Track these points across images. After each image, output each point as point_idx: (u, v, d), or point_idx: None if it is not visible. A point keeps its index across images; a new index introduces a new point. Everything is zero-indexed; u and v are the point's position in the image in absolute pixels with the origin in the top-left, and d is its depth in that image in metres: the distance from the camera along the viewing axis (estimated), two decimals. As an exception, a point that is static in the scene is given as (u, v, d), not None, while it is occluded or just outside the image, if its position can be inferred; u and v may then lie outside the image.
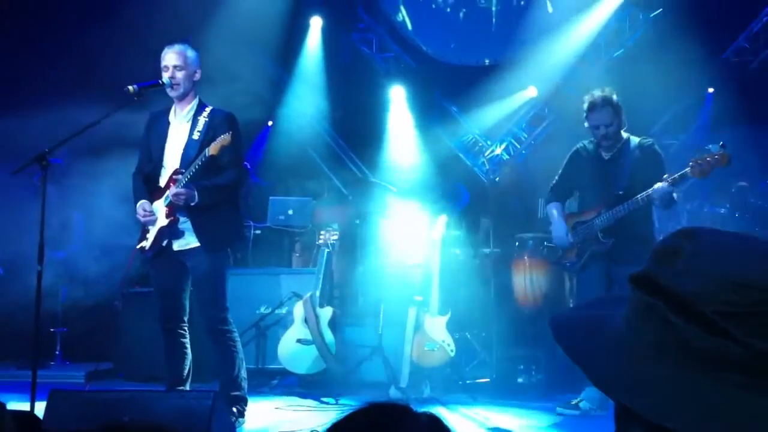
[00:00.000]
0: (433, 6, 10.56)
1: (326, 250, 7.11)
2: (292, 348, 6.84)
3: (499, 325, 7.34)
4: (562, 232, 5.96)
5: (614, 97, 5.71)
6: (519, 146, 10.82)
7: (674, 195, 5.45)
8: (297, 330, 6.88)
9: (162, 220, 5.27)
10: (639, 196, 5.50)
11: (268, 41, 9.76)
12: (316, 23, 10.47)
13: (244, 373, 5.42)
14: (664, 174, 5.45)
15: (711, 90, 9.74)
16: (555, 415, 5.90)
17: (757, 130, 8.68)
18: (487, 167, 10.66)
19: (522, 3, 10.18)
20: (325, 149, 10.83)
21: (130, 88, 5.19)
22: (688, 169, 5.27)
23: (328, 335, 6.78)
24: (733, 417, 0.83)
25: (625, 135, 5.86)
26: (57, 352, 8.06)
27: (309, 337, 6.77)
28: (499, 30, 10.26)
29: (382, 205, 8.39)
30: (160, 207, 5.29)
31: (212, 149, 5.06)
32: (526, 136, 10.80)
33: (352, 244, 8.55)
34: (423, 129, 10.54)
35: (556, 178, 6.17)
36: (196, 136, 5.28)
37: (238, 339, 5.44)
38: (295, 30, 10.23)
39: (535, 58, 9.82)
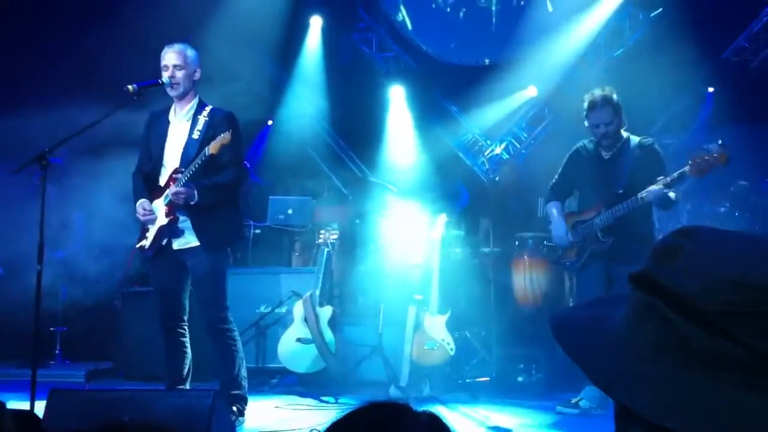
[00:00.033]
0: (433, 6, 10.55)
1: (326, 249, 7.11)
2: (292, 347, 6.85)
3: (498, 324, 7.34)
4: (562, 231, 5.97)
5: (614, 96, 5.72)
6: (519, 146, 10.81)
7: (672, 196, 5.45)
8: (297, 329, 6.88)
9: (162, 219, 5.28)
10: (638, 195, 5.52)
11: (268, 41, 9.76)
12: (316, 23, 10.46)
13: (244, 372, 5.43)
14: (665, 173, 5.46)
15: (711, 89, 9.74)
16: (555, 413, 5.90)
17: (758, 130, 8.67)
18: (487, 167, 10.66)
19: (522, 3, 10.17)
20: (325, 149, 10.82)
21: (130, 87, 5.19)
22: (687, 168, 5.29)
23: (328, 334, 6.78)
24: (734, 417, 0.83)
25: (625, 134, 5.87)
26: (57, 352, 8.07)
27: (309, 336, 6.78)
28: (499, 30, 10.25)
29: (381, 205, 8.40)
30: (159, 206, 5.29)
31: (212, 148, 5.07)
32: (525, 135, 10.80)
33: (351, 243, 8.56)
34: (423, 129, 10.53)
35: (556, 177, 6.17)
36: (196, 135, 5.29)
37: (238, 338, 5.44)
38: (295, 30, 10.22)
39: (535, 57, 9.81)
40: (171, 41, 5.44)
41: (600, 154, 5.92)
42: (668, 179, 5.41)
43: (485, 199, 9.42)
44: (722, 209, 8.14)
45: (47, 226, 4.97)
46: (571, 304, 7.23)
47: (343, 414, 1.14)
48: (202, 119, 5.32)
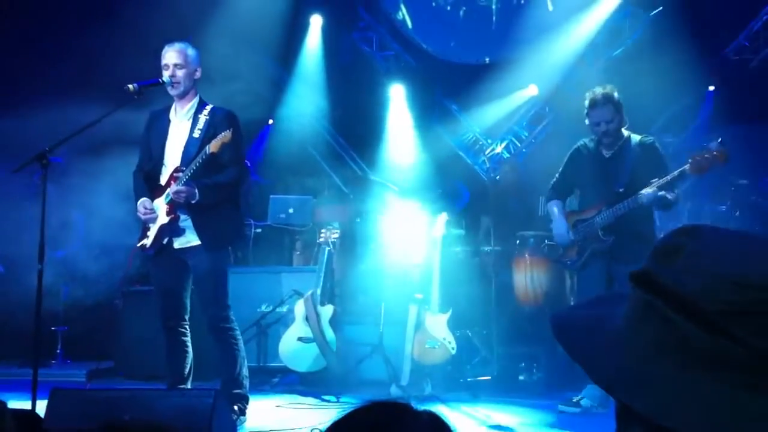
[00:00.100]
0: (434, 4, 10.55)
1: (327, 248, 7.11)
2: (293, 346, 6.85)
3: (499, 323, 7.34)
4: (563, 229, 5.97)
5: (615, 94, 5.72)
6: (519, 145, 10.81)
7: (668, 197, 5.47)
8: (298, 328, 6.88)
9: (162, 218, 5.28)
10: (635, 197, 5.54)
11: (269, 40, 9.75)
12: (316, 22, 10.46)
13: (245, 372, 5.43)
14: (666, 172, 5.46)
15: (711, 88, 9.73)
16: (556, 412, 5.90)
17: (758, 129, 8.67)
18: (488, 166, 10.66)
19: (522, 1, 10.16)
20: (326, 148, 10.82)
21: (130, 86, 5.19)
22: (686, 167, 5.30)
23: (329, 333, 6.78)
24: (734, 416, 0.83)
25: (626, 133, 5.87)
26: (58, 351, 8.07)
27: (310, 335, 6.78)
28: (499, 28, 10.24)
29: (382, 204, 8.40)
30: (160, 205, 5.29)
31: (213, 146, 5.07)
32: (526, 134, 10.79)
33: (352, 242, 8.56)
34: (423, 127, 10.54)
35: (557, 176, 6.17)
36: (196, 134, 5.29)
37: (239, 337, 5.44)
38: (296, 29, 10.22)
39: (535, 56, 9.80)
40: (171, 40, 5.44)
41: (601, 152, 5.92)
42: (661, 181, 5.44)
43: (486, 197, 9.42)
44: (723, 208, 8.14)
45: (48, 225, 4.97)
46: (571, 303, 7.23)
47: (344, 413, 1.14)
48: (202, 118, 5.33)
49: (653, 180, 5.46)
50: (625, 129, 5.87)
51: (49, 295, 6.54)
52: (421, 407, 1.16)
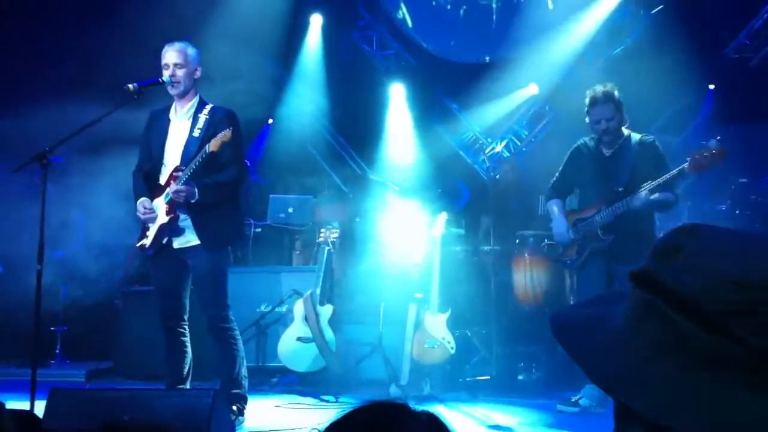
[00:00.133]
0: (434, 3, 10.54)
1: (326, 248, 7.11)
2: (292, 346, 6.84)
3: (499, 322, 7.34)
4: (563, 228, 5.97)
5: (616, 92, 5.73)
6: (519, 144, 10.81)
7: (663, 199, 5.50)
8: (297, 328, 6.88)
9: (162, 218, 5.27)
10: (627, 199, 5.56)
11: (268, 39, 9.75)
12: (316, 21, 10.46)
13: (244, 372, 5.43)
14: (666, 171, 5.47)
15: (711, 87, 9.73)
16: (555, 412, 5.90)
17: (758, 127, 8.67)
18: (488, 165, 10.66)
19: (522, 0, 10.16)
20: (326, 147, 10.82)
21: (130, 86, 5.19)
22: (685, 165, 5.32)
23: (328, 333, 6.78)
24: (734, 416, 0.83)
25: (626, 132, 5.87)
26: (57, 351, 8.06)
27: (309, 335, 6.78)
28: (499, 27, 10.23)
29: (382, 203, 8.39)
30: (160, 204, 5.29)
31: (212, 146, 5.07)
32: (526, 133, 10.79)
33: (352, 242, 8.56)
34: (423, 127, 10.54)
35: (557, 174, 6.17)
36: (196, 133, 5.28)
37: (239, 337, 5.44)
38: (296, 28, 10.22)
39: (535, 55, 9.80)
40: (171, 40, 5.44)
41: (601, 151, 5.92)
42: (653, 183, 5.45)
43: (486, 197, 9.42)
44: (723, 207, 8.15)
45: (47, 225, 4.97)
46: (571, 303, 7.23)
47: (342, 413, 1.13)
48: (202, 117, 5.32)
49: (645, 184, 5.48)
50: (625, 128, 5.87)
51: (49, 295, 6.54)
52: (420, 407, 1.15)
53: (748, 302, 0.84)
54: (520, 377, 7.02)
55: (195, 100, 5.40)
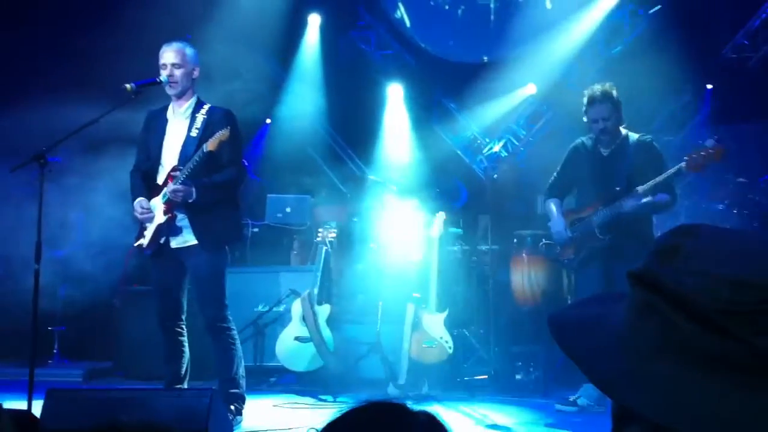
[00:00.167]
0: (432, 3, 10.54)
1: (324, 247, 7.11)
2: (290, 346, 6.84)
3: (497, 322, 7.34)
4: (561, 227, 5.97)
5: (614, 92, 5.74)
6: (517, 143, 10.81)
7: (656, 201, 5.51)
8: (295, 328, 6.87)
9: (159, 218, 5.27)
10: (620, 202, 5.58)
11: (267, 39, 9.74)
12: (314, 21, 10.45)
13: (242, 371, 5.42)
14: (664, 170, 5.47)
15: (710, 87, 9.73)
16: (553, 411, 5.90)
17: (756, 127, 8.68)
18: (486, 164, 10.66)
19: (520, 0, 10.15)
20: (324, 147, 10.81)
21: (128, 86, 5.19)
22: (683, 164, 5.32)
23: (326, 333, 6.77)
24: (734, 416, 0.83)
25: (624, 131, 5.87)
26: (55, 351, 8.04)
27: (307, 334, 6.77)
28: (497, 27, 10.23)
29: (380, 203, 8.39)
30: (157, 204, 5.28)
31: (210, 145, 5.06)
32: (524, 133, 10.79)
33: (350, 241, 8.55)
34: (421, 126, 10.54)
35: (555, 174, 6.17)
36: (194, 133, 5.28)
37: (237, 337, 5.44)
38: (294, 27, 10.21)
39: (533, 55, 9.80)
40: (169, 40, 5.44)
41: (599, 150, 5.92)
42: (650, 184, 5.46)
43: (484, 196, 9.42)
44: (721, 207, 8.14)
45: (46, 225, 4.97)
46: (569, 302, 7.23)
47: (339, 413, 1.13)
48: (200, 117, 5.32)
49: (638, 187, 5.49)
50: (623, 127, 5.87)
51: (47, 295, 6.52)
52: (418, 407, 1.15)
53: (747, 302, 0.84)
54: (518, 377, 7.02)
55: (193, 100, 5.40)
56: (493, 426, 5.61)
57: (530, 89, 10.36)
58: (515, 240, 8.00)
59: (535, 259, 7.63)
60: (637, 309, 0.91)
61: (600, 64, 9.90)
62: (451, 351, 6.76)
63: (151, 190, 5.35)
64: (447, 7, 10.49)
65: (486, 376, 7.06)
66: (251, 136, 10.02)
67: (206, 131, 5.22)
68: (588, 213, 5.86)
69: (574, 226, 5.93)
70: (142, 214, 5.30)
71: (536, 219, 8.24)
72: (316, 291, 6.90)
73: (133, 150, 5.65)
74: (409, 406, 1.13)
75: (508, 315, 7.58)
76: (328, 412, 5.26)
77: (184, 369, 5.36)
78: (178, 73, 5.30)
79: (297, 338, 6.82)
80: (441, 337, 6.76)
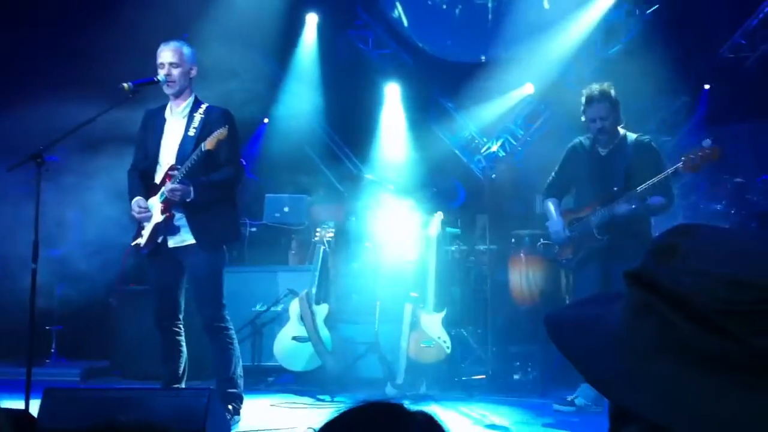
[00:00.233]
0: (429, 2, 10.54)
1: (322, 247, 7.10)
2: (288, 345, 6.84)
3: (495, 321, 7.34)
4: (559, 226, 5.97)
5: (612, 91, 5.74)
6: (515, 143, 10.81)
7: (651, 204, 5.53)
8: (293, 327, 6.87)
9: (157, 217, 5.26)
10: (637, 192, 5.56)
11: (264, 38, 9.73)
12: (312, 20, 10.45)
13: (240, 371, 5.42)
14: (662, 170, 5.47)
15: (707, 87, 9.74)
16: (550, 411, 5.90)
17: (754, 127, 8.68)
18: (484, 164, 10.66)
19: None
20: (321, 146, 10.81)
21: (125, 85, 5.18)
22: (680, 165, 5.33)
23: (324, 332, 6.77)
24: (733, 416, 0.82)
25: (622, 131, 5.88)
26: (52, 350, 8.03)
27: (305, 334, 6.77)
28: (495, 27, 10.23)
29: (378, 203, 8.39)
30: (155, 203, 5.28)
31: (208, 144, 5.06)
32: (522, 133, 10.80)
33: (347, 241, 8.55)
34: (419, 126, 10.54)
35: (553, 174, 6.18)
36: (191, 132, 5.27)
37: (234, 337, 5.43)
38: (291, 27, 10.21)
39: (531, 54, 9.81)
40: (167, 39, 5.43)
41: (597, 150, 5.92)
42: (647, 185, 5.47)
43: (482, 196, 9.42)
44: (718, 207, 8.15)
45: (43, 224, 4.96)
46: (567, 302, 7.23)
47: (337, 413, 1.12)
48: (198, 117, 5.31)
49: (638, 188, 5.50)
50: (621, 127, 5.88)
51: (44, 294, 6.52)
52: (416, 407, 1.14)
53: (746, 302, 0.84)
54: (515, 376, 7.02)
55: (190, 99, 5.39)
56: (491, 426, 5.60)
57: (528, 89, 10.36)
58: (513, 240, 8.00)
59: (533, 259, 7.63)
60: (634, 309, 0.91)
61: (597, 64, 9.91)
62: (449, 351, 6.76)
63: (149, 189, 5.35)
64: (445, 7, 10.49)
65: (484, 376, 7.06)
66: (249, 136, 10.02)
67: (204, 130, 5.21)
68: (586, 213, 5.86)
69: (573, 225, 5.93)
70: (139, 213, 5.29)
71: (534, 219, 8.24)
72: (314, 290, 6.90)
73: (131, 149, 5.64)
74: (406, 406, 1.13)
75: (505, 315, 7.58)
76: (326, 411, 5.26)
77: (181, 369, 5.35)
78: (175, 72, 5.29)
79: (295, 338, 6.82)
80: (439, 337, 6.76)
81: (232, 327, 5.42)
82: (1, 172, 5.29)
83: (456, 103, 10.67)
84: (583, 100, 5.80)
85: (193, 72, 5.40)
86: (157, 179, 5.33)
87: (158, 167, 5.35)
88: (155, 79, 5.27)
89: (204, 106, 5.37)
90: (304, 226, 8.76)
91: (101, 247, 7.46)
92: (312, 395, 6.62)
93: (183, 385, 5.33)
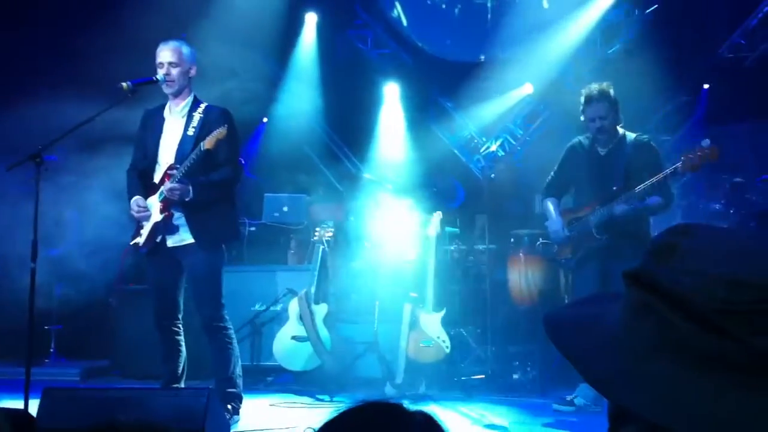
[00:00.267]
0: (429, 2, 10.54)
1: (321, 246, 7.10)
2: (287, 345, 6.84)
3: (494, 321, 7.34)
4: (558, 226, 5.98)
5: (611, 91, 5.74)
6: (515, 143, 10.81)
7: (648, 204, 5.54)
8: (292, 327, 6.87)
9: (156, 216, 5.26)
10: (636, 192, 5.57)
11: (263, 38, 9.72)
12: (311, 19, 10.45)
13: (239, 371, 5.42)
14: (661, 170, 5.48)
15: (706, 86, 9.74)
16: (550, 410, 5.90)
17: (753, 127, 8.68)
18: (483, 164, 10.66)
19: (517, -1, 10.16)
20: (320, 146, 10.81)
21: (124, 84, 5.17)
22: (678, 165, 5.33)
23: (323, 332, 6.77)
24: (732, 416, 0.82)
25: (621, 131, 5.88)
26: (51, 350, 8.03)
27: (304, 334, 6.77)
28: (494, 26, 10.23)
29: (377, 202, 8.38)
30: (154, 203, 5.28)
31: (207, 143, 5.06)
32: (521, 132, 10.80)
33: (346, 240, 8.55)
34: (419, 125, 10.53)
35: (552, 173, 6.18)
36: (191, 132, 5.27)
37: (234, 336, 5.43)
38: (291, 26, 10.20)
39: (530, 54, 9.81)
40: (166, 38, 5.43)
41: (596, 150, 5.92)
42: (646, 185, 5.47)
43: (481, 196, 9.41)
44: (717, 206, 8.16)
45: (42, 223, 4.96)
46: (566, 302, 7.23)
47: (336, 413, 1.12)
48: (197, 116, 5.31)
49: (638, 187, 5.51)
50: (621, 127, 5.88)
51: (43, 294, 6.51)
52: (415, 407, 1.14)
53: (744, 302, 0.84)
54: (515, 376, 7.02)
55: (189, 99, 5.39)
56: (490, 426, 5.60)
57: (527, 89, 10.36)
58: (512, 239, 8.00)
59: (533, 259, 7.63)
60: (633, 309, 0.91)
61: (596, 64, 9.91)
62: (448, 350, 6.76)
63: (148, 188, 5.35)
64: (444, 6, 10.49)
65: (483, 376, 7.05)
66: (248, 135, 10.01)
67: (203, 130, 5.21)
68: (585, 212, 5.86)
69: (572, 225, 5.93)
70: (138, 212, 5.29)
71: (533, 218, 8.24)
72: (313, 290, 6.90)
73: (130, 149, 5.64)
74: (406, 405, 1.13)
75: (505, 315, 7.58)
76: (325, 411, 5.25)
77: (181, 368, 5.35)
78: (174, 71, 5.29)
79: (294, 337, 6.82)
80: (438, 337, 6.76)
81: (231, 326, 5.41)
82: (0, 172, 5.29)
83: (455, 102, 10.67)
84: (583, 99, 5.81)
85: (192, 71, 5.40)
86: (156, 178, 5.32)
87: (157, 166, 5.35)
88: (154, 78, 5.27)
89: (203, 106, 5.36)
90: (303, 225, 8.75)
91: (100, 246, 7.46)
92: (311, 395, 6.62)
93: (182, 385, 5.33)
